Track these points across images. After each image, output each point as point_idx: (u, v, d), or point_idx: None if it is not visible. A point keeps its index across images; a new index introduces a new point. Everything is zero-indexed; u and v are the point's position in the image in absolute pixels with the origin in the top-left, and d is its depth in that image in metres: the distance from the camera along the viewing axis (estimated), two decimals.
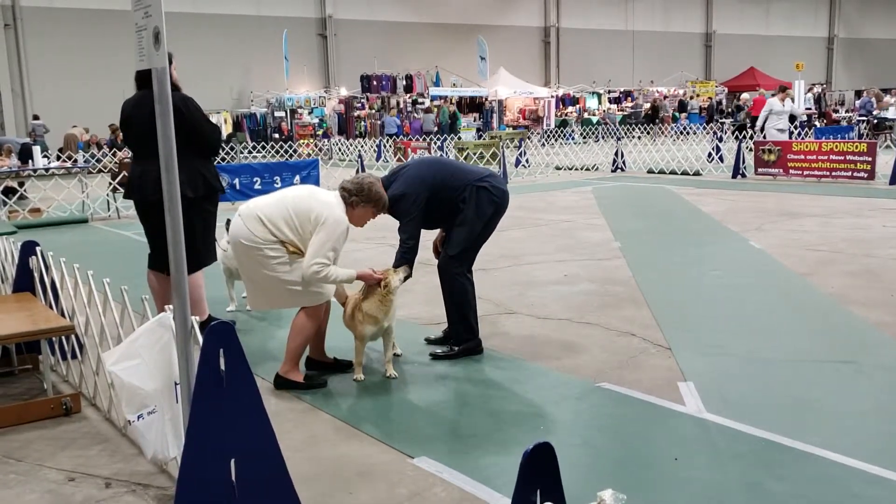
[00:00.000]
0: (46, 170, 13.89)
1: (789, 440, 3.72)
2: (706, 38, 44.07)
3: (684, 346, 5.21)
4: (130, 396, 3.36)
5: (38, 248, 4.98)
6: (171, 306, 3.07)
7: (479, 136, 28.22)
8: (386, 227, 10.64)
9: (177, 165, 2.91)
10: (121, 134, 6.84)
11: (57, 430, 4.11)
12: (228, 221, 6.29)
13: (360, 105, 31.53)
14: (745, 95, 28.86)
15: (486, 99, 32.69)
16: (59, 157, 19.14)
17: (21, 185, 14.24)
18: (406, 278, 4.77)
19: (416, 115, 31.02)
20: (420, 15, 35.07)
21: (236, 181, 13.78)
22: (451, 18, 35.71)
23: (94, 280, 4.34)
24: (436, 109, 30.31)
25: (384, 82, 32.27)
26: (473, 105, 33.09)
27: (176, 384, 3.16)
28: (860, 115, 26.02)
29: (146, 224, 5.57)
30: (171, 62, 5.51)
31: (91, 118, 26.34)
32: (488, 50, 31.97)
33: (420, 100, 32.24)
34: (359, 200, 4.66)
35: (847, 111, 33.27)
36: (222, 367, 2.79)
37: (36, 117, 25.89)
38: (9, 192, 13.84)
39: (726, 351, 5.14)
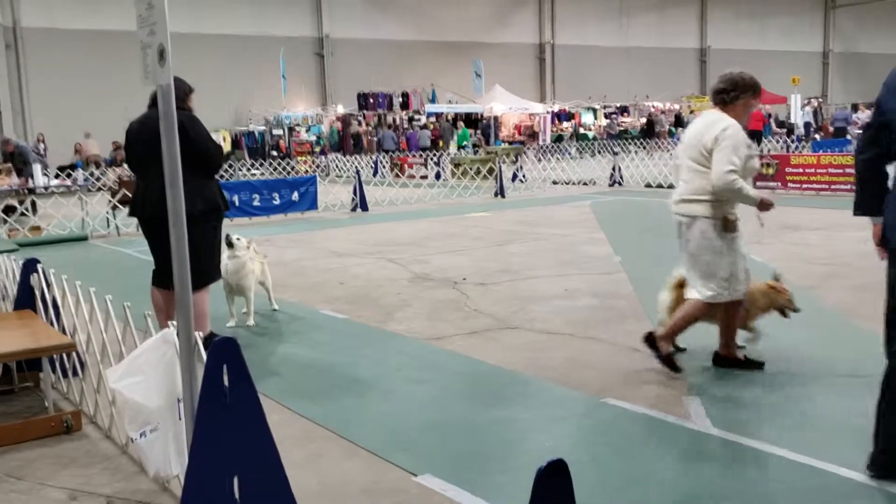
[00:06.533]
0: (46, 188, 13.85)
1: (796, 455, 3.70)
2: (701, 54, 44.25)
3: (689, 361, 5.19)
4: (133, 414, 3.34)
5: (39, 266, 4.97)
6: (174, 322, 3.05)
7: (476, 152, 28.30)
8: (384, 243, 10.65)
9: (181, 182, 2.90)
10: (122, 153, 6.85)
11: (58, 449, 4.08)
12: (227, 237, 6.30)
13: (357, 122, 31.64)
14: None
15: (482, 116, 32.84)
16: (57, 176, 19.12)
17: (21, 202, 14.20)
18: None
19: (410, 129, 31.34)
20: (416, 33, 35.21)
21: (235, 198, 14.00)
22: (446, 36, 35.84)
23: (96, 297, 4.32)
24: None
25: (381, 99, 32.41)
26: (470, 121, 33.21)
27: (179, 401, 3.14)
28: (837, 126, 26.71)
29: (150, 241, 5.58)
30: (191, 92, 5.58)
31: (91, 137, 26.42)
32: (484, 67, 32.12)
33: (416, 116, 32.41)
34: (737, 94, 4.61)
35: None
36: (225, 383, 2.77)
37: (41, 140, 25.93)
38: (9, 210, 13.80)
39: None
